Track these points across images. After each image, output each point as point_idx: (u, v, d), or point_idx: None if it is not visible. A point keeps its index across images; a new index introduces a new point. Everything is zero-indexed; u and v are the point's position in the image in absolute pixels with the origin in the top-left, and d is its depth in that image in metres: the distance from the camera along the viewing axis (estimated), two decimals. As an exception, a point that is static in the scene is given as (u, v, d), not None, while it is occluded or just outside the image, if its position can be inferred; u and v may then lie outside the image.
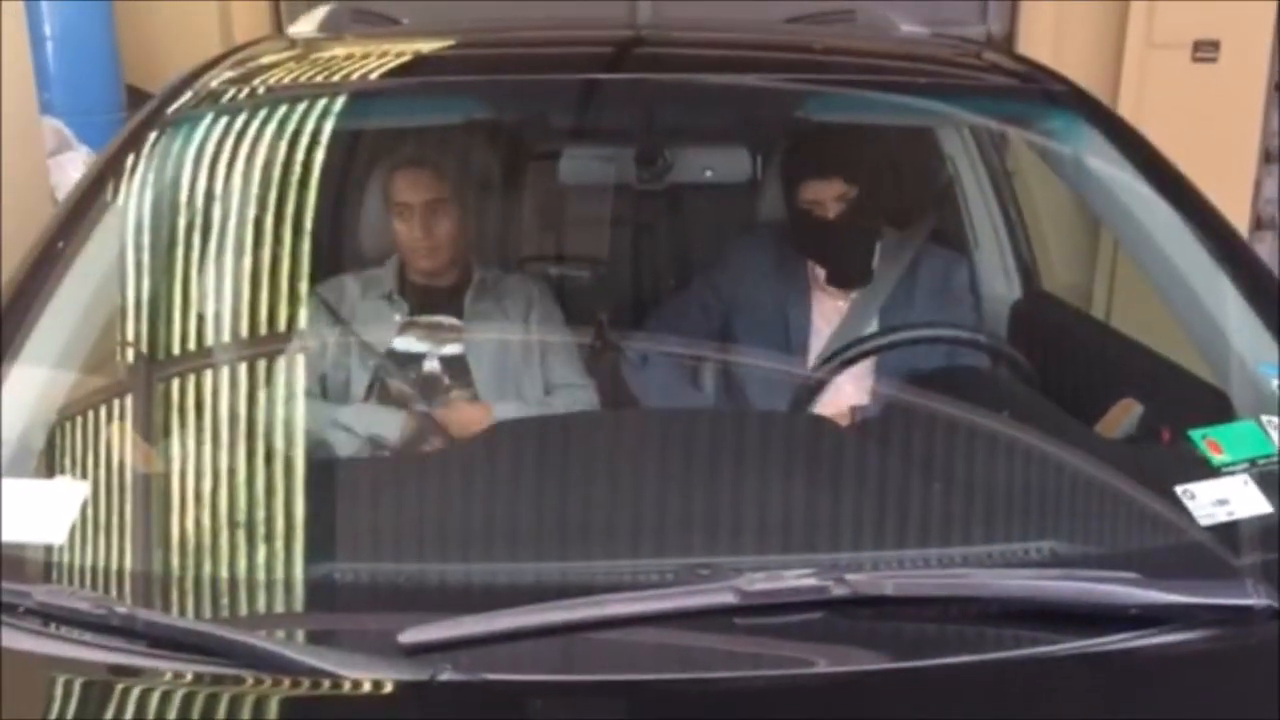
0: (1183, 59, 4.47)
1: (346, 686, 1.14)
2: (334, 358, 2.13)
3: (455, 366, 2.18)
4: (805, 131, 2.26)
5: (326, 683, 1.14)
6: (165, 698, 1.15)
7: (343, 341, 2.15)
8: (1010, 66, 2.26)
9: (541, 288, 2.31)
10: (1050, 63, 2.27)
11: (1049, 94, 2.05)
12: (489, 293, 2.25)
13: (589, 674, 1.20)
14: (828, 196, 2.19)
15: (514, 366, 2.20)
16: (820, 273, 2.26)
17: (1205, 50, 4.49)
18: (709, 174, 2.37)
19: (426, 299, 2.24)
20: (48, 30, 4.47)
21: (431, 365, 2.18)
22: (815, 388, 1.93)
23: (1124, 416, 1.86)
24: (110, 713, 1.15)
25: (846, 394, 2.06)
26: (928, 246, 2.37)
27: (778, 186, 2.32)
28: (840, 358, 1.94)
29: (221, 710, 1.13)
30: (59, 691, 1.17)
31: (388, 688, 1.14)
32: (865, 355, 1.98)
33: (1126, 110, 4.10)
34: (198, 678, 1.16)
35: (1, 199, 2.90)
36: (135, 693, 1.16)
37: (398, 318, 2.21)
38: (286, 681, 1.15)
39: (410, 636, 1.16)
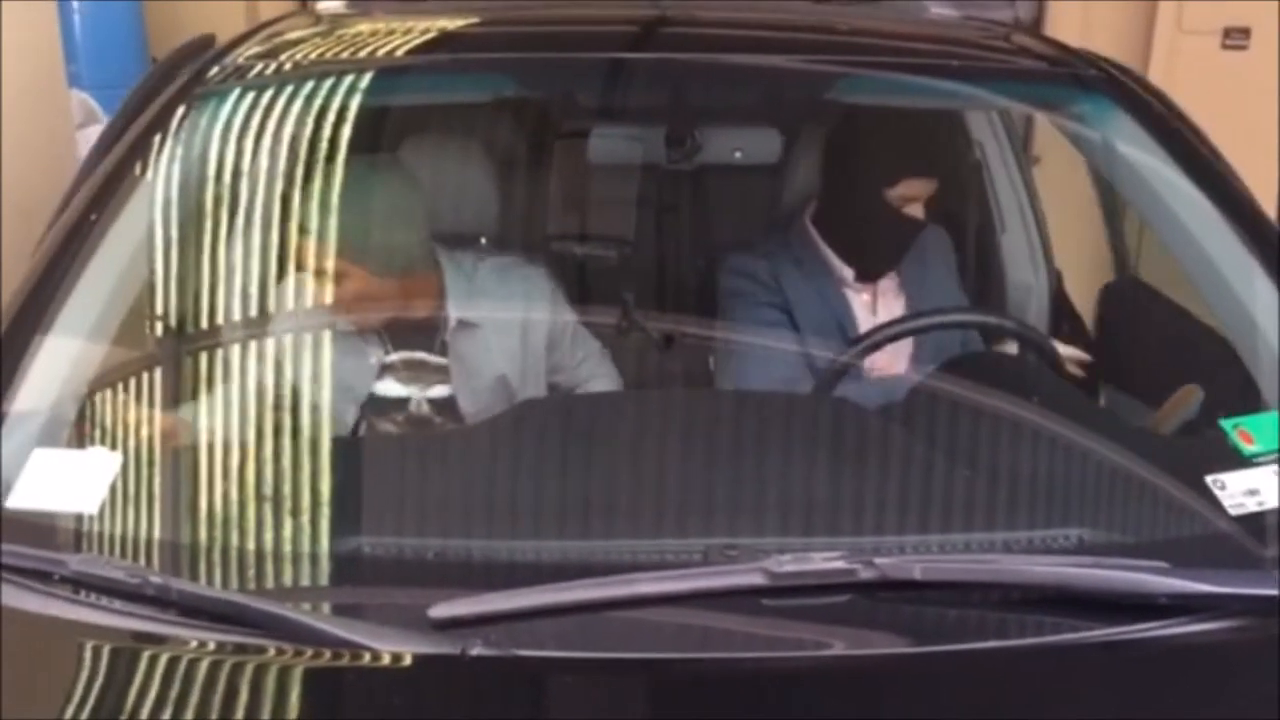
0: (1213, 45, 4.43)
1: (371, 658, 1.15)
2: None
3: (444, 405, 1.95)
4: (904, 123, 2.11)
5: (354, 654, 1.15)
6: (196, 666, 1.16)
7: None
8: (1040, 49, 2.24)
9: (538, 271, 2.04)
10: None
11: (1079, 77, 2.03)
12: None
13: (617, 652, 1.20)
14: (923, 195, 2.06)
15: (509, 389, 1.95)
16: (849, 271, 2.13)
17: (1235, 37, 4.45)
18: (738, 155, 2.35)
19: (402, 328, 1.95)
20: (75, 2, 4.48)
21: (419, 407, 1.95)
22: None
23: (1184, 403, 1.82)
24: (139, 679, 1.16)
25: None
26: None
27: (809, 169, 2.27)
28: (874, 340, 1.93)
29: (253, 679, 1.14)
30: (88, 657, 1.19)
31: (418, 661, 1.15)
32: (901, 337, 1.96)
33: (1155, 97, 4.06)
34: (230, 647, 1.17)
35: (31, 171, 2.90)
36: (165, 660, 1.17)
37: (373, 360, 1.93)
38: (314, 653, 1.15)
39: (440, 611, 1.17)
